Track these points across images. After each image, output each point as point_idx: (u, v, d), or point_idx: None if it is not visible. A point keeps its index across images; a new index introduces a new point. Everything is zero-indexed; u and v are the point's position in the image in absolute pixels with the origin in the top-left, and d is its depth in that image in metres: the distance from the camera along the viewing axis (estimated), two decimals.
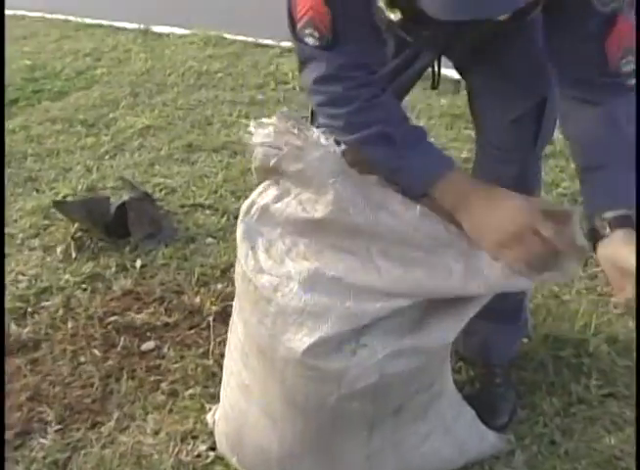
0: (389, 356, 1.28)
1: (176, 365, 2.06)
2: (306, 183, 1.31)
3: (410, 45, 1.54)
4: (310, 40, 1.26)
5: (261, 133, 1.30)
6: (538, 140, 1.61)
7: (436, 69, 1.60)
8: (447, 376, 1.51)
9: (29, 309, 2.35)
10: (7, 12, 8.07)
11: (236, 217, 2.77)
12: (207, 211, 2.90)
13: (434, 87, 1.64)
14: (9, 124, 4.12)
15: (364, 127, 1.28)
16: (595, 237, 1.19)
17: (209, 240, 2.69)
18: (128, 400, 1.95)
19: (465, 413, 1.59)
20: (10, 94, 4.62)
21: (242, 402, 1.54)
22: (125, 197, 2.70)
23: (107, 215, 2.67)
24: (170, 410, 1.90)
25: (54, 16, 7.16)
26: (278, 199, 1.37)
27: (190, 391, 1.95)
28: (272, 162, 1.31)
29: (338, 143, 1.31)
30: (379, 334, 1.29)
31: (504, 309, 1.76)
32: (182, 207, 2.95)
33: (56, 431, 1.86)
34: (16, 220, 2.96)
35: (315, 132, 1.27)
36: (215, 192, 3.04)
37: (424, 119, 3.68)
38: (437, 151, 1.33)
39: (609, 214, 1.18)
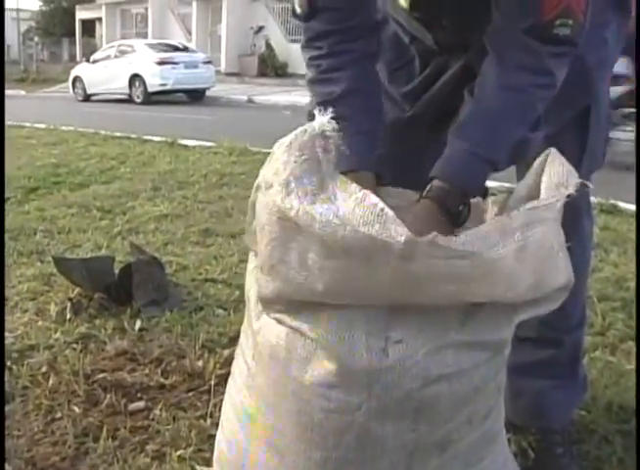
0: (433, 353, 1.02)
1: (167, 427, 1.76)
2: None
3: (432, 54, 1.45)
4: (297, 10, 1.31)
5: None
6: (584, 157, 1.41)
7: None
8: (501, 414, 1.22)
9: (9, 364, 2.09)
10: (40, 125, 8.42)
11: None
12: (220, 286, 2.67)
13: None
14: (24, 207, 4.02)
15: (315, 97, 1.31)
16: None
17: (220, 311, 2.45)
18: (104, 461, 1.64)
19: None
20: (31, 184, 4.58)
21: (241, 437, 1.25)
22: (131, 259, 2.48)
23: (109, 277, 2.45)
24: None
25: (84, 129, 7.33)
26: None
27: (180, 452, 1.65)
28: None
29: None
30: (413, 326, 1.03)
31: (558, 362, 1.50)
32: (193, 280, 2.74)
33: None
34: (14, 286, 2.76)
35: None
36: (230, 269, 2.83)
37: None
38: (353, 147, 1.19)
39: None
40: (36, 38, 37.37)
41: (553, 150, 1.16)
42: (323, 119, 1.08)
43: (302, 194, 1.01)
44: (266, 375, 1.17)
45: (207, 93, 16.26)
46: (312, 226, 0.99)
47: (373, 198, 0.98)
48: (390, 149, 1.42)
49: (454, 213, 1.17)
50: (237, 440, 1.27)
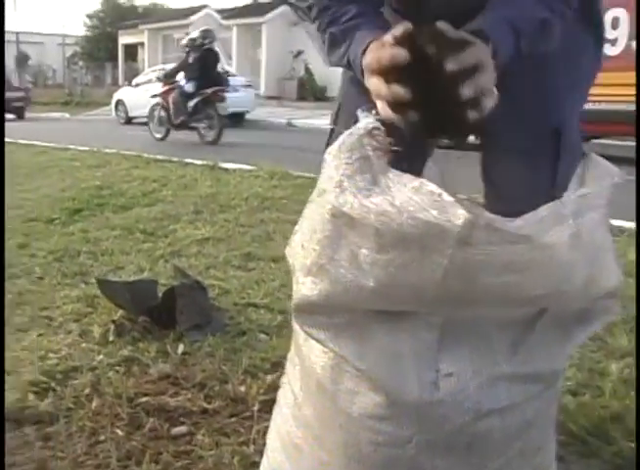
0: (485, 385, 1.00)
1: (210, 452, 1.74)
2: None
3: None
4: None
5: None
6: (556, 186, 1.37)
7: None
8: (553, 447, 1.19)
9: (53, 384, 2.11)
10: (84, 148, 8.57)
11: None
12: (262, 310, 2.67)
13: None
14: (69, 228, 4.08)
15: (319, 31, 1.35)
16: None
17: (262, 336, 2.44)
18: None
19: None
20: (75, 205, 4.65)
21: (287, 468, 1.23)
22: (175, 282, 2.49)
23: (153, 300, 2.46)
24: None
25: (127, 152, 7.44)
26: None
27: None
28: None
29: None
30: (463, 357, 1.01)
31: None
32: (235, 305, 2.73)
33: None
34: (58, 306, 2.79)
35: None
36: (272, 294, 2.82)
37: None
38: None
39: None
40: (81, 63, 38.22)
41: (591, 154, 1.15)
42: (368, 119, 1.07)
43: (356, 190, 1.00)
44: (313, 406, 1.16)
45: (248, 116, 16.40)
46: (367, 218, 0.97)
47: (430, 185, 0.96)
48: None
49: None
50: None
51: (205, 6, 29.28)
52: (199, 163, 6.42)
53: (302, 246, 1.12)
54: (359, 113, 1.10)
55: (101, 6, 39.87)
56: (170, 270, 3.14)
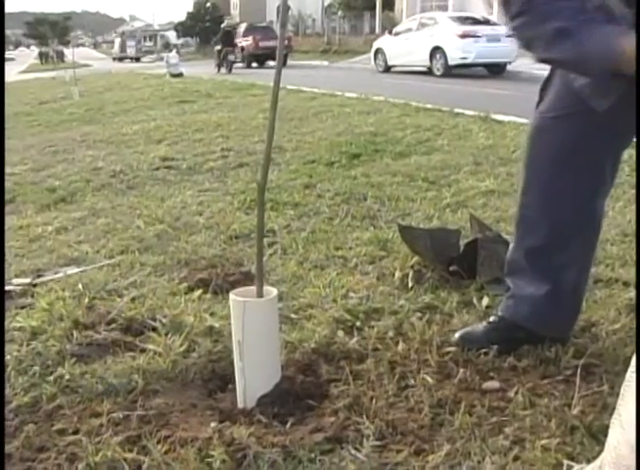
0: None
1: (525, 412, 1.69)
2: None
3: None
4: None
5: None
6: None
7: None
8: None
9: (357, 324, 2.16)
10: (351, 94, 8.74)
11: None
12: None
13: None
14: (350, 172, 4.19)
15: (542, 29, 1.55)
16: None
17: None
18: (462, 437, 1.61)
19: None
20: (353, 150, 4.77)
21: None
22: (478, 235, 2.44)
23: (453, 250, 2.43)
24: (515, 458, 1.54)
25: (394, 100, 7.49)
26: None
27: (542, 442, 1.57)
28: None
29: None
30: None
31: None
32: None
33: (373, 446, 1.58)
34: (351, 247, 2.87)
35: None
36: None
37: None
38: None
39: None
40: (339, 12, 39.08)
41: None
42: None
43: None
44: None
45: (508, 67, 15.82)
46: None
47: None
48: None
49: None
50: None
51: None
52: (469, 113, 6.30)
53: None
54: None
55: None
56: (457, 220, 3.11)
